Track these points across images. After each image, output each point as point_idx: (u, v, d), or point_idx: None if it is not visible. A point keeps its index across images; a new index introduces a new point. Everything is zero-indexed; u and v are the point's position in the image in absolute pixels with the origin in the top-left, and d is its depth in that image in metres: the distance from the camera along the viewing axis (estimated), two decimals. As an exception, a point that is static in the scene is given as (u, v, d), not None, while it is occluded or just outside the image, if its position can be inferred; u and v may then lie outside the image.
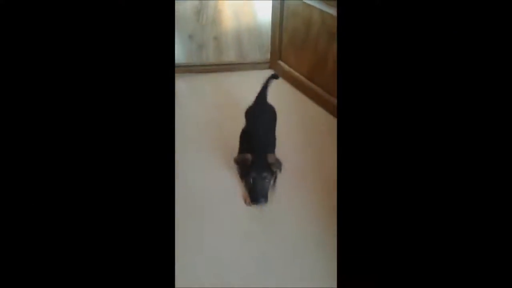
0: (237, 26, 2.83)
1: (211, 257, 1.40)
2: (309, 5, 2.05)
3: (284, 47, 2.39)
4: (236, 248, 1.44)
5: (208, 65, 2.55)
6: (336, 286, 0.65)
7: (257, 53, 2.64)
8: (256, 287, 1.31)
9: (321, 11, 1.98)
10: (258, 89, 2.36)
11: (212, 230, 1.52)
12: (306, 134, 2.07)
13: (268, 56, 2.52)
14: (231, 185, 1.70)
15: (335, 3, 1.82)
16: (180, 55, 2.62)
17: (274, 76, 1.91)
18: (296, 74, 2.35)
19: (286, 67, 2.42)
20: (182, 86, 2.46)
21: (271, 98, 2.33)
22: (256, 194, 1.36)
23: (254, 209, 1.58)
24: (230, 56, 2.63)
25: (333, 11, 1.88)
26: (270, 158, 1.39)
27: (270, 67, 2.54)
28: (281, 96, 2.35)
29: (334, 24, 1.93)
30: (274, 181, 1.50)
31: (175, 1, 2.19)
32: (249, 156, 1.40)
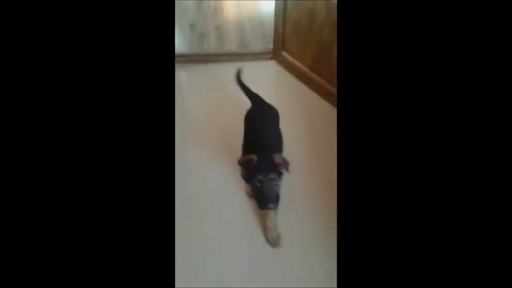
0: (239, 16, 2.77)
1: (211, 257, 1.39)
2: (313, -7, 1.99)
3: (287, 37, 2.33)
4: (236, 248, 1.43)
5: (209, 55, 2.49)
6: (336, 285, 0.66)
7: (259, 43, 2.58)
8: (256, 287, 1.30)
9: (326, 0, 1.92)
10: (259, 80, 2.33)
11: (212, 229, 1.50)
12: (309, 128, 2.04)
13: (271, 46, 2.45)
14: (233, 179, 1.68)
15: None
16: (181, 45, 2.57)
17: (238, 72, 1.82)
18: (300, 65, 2.29)
19: (289, 58, 2.36)
20: (183, 76, 2.41)
21: (272, 91, 2.30)
22: (264, 199, 1.23)
23: (254, 207, 1.56)
24: (232, 46, 2.57)
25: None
26: (277, 158, 1.27)
27: (272, 58, 2.48)
28: (284, 88, 2.31)
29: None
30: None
31: (176, -11, 2.13)
32: (253, 157, 1.27)
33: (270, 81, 2.38)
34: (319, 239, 1.44)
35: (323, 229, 1.47)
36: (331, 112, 2.11)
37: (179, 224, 1.31)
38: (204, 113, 2.13)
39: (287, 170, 1.28)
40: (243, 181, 1.46)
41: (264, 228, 1.49)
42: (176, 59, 2.36)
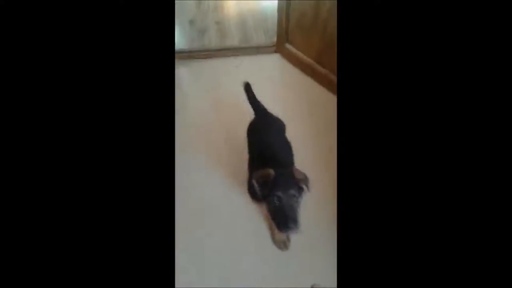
0: (240, 11, 2.69)
1: (211, 257, 1.38)
2: (318, -17, 1.89)
3: (291, 30, 2.22)
4: (236, 248, 1.42)
5: (210, 50, 2.40)
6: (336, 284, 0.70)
7: (262, 38, 2.49)
8: (256, 286, 1.29)
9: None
10: (263, 74, 2.24)
11: (212, 229, 1.48)
12: (316, 122, 1.94)
13: (274, 40, 2.36)
14: (237, 179, 1.61)
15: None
16: (181, 41, 2.49)
17: (247, 86, 1.63)
18: (305, 57, 2.19)
19: (293, 50, 2.26)
20: (184, 72, 2.32)
21: (277, 85, 2.21)
22: (285, 219, 1.04)
23: (255, 206, 1.48)
24: (233, 41, 2.48)
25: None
26: (297, 173, 1.11)
27: (276, 51, 2.38)
28: (289, 81, 2.22)
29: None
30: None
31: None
32: (271, 171, 1.10)
33: (275, 75, 2.28)
34: (328, 242, 1.39)
35: (327, 225, 1.43)
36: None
37: (180, 224, 1.27)
38: (205, 109, 2.04)
39: (307, 187, 1.11)
40: (260, 209, 1.35)
41: (272, 230, 1.41)
42: (176, 55, 2.28)
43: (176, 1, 2.14)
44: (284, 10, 2.17)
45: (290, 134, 1.50)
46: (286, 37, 2.28)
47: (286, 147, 1.41)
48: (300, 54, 2.22)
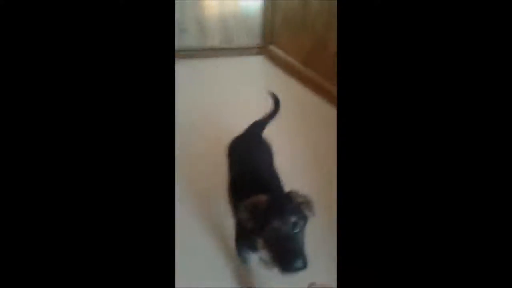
0: (221, 10, 2.55)
1: (212, 257, 1.30)
2: (306, -21, 1.79)
3: (277, 30, 2.11)
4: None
5: (190, 50, 2.23)
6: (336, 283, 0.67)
7: (245, 38, 2.35)
8: (256, 287, 1.24)
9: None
10: (247, 77, 2.09)
11: (212, 229, 1.40)
12: (303, 127, 1.82)
13: (258, 41, 2.23)
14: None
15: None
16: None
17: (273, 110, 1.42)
18: (291, 59, 2.07)
19: (279, 52, 2.14)
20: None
21: (260, 88, 2.07)
22: (288, 255, 0.78)
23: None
24: (214, 41, 2.33)
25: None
26: (297, 196, 0.89)
27: (261, 53, 2.24)
28: (274, 85, 2.08)
29: (334, 1, 1.67)
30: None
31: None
32: (263, 197, 0.87)
33: (259, 78, 2.14)
34: (328, 241, 1.30)
35: (323, 227, 1.31)
36: (327, 110, 1.90)
37: (180, 223, 1.18)
38: (181, 111, 1.86)
39: (312, 211, 0.89)
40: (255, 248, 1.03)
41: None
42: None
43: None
44: (270, 10, 2.05)
45: (275, 139, 1.36)
46: (271, 38, 2.15)
47: (273, 171, 1.18)
48: (286, 56, 2.09)
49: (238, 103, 1.90)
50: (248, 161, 1.15)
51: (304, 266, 0.77)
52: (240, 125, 1.43)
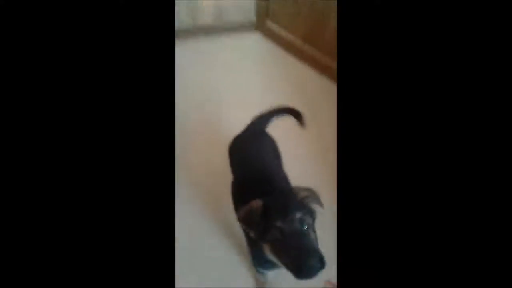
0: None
1: (212, 257, 1.31)
2: None
3: (273, 4, 1.98)
4: (236, 247, 1.34)
5: (180, 31, 2.11)
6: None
7: (239, 14, 2.23)
8: (256, 287, 1.25)
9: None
10: (243, 55, 1.99)
11: (213, 228, 1.39)
12: (303, 105, 1.74)
13: (253, 17, 2.10)
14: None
15: None
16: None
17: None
18: (289, 35, 1.97)
19: (276, 28, 2.03)
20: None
21: (258, 66, 1.97)
22: (300, 254, 0.71)
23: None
24: (207, 19, 2.20)
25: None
26: (300, 192, 0.82)
27: (256, 29, 2.13)
28: (271, 63, 1.99)
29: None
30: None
31: None
32: (257, 202, 0.80)
33: (256, 56, 2.04)
34: (328, 241, 1.23)
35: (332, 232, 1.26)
36: (328, 87, 1.83)
37: (180, 223, 1.15)
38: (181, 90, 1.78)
39: (320, 204, 0.82)
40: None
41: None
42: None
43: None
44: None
45: (274, 123, 1.29)
46: (266, 12, 2.03)
47: (280, 174, 1.12)
48: (284, 32, 1.98)
49: (235, 83, 1.82)
50: (250, 162, 1.09)
51: (322, 265, 0.71)
52: (239, 107, 1.36)
